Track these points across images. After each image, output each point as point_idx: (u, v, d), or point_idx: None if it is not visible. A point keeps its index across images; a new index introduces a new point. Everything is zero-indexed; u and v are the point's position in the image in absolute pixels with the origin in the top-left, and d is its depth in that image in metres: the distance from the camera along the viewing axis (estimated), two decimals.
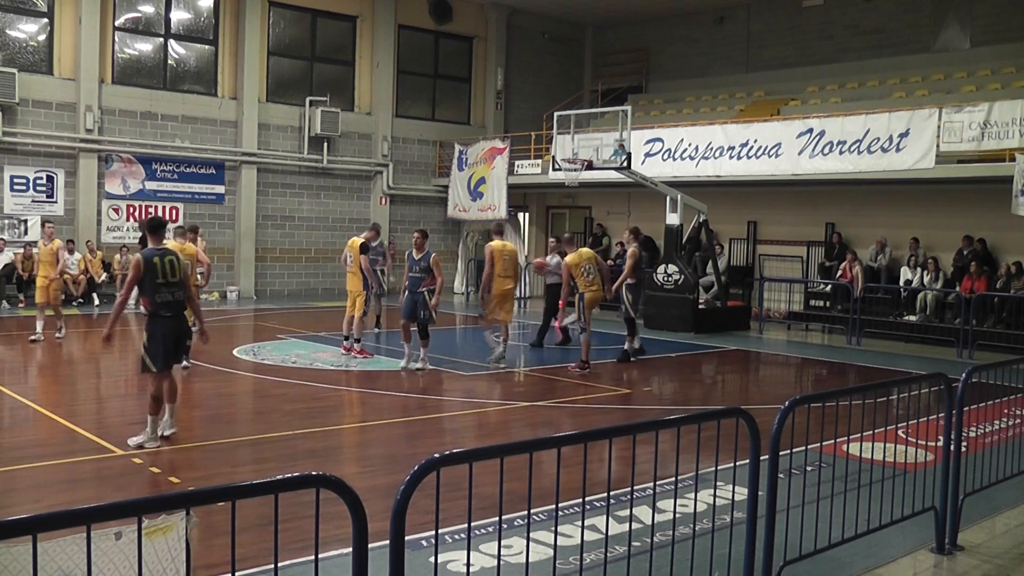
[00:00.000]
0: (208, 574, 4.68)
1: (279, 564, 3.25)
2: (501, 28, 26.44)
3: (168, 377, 7.91)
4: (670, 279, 17.48)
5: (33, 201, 19.67)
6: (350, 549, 2.93)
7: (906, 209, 18.77)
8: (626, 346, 13.73)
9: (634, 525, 5.19)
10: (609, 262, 21.28)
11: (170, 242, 12.06)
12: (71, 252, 19.50)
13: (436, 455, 3.22)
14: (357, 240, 13.49)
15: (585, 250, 13.13)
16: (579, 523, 4.43)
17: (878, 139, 16.67)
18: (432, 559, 4.10)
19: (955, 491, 5.70)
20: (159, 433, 7.83)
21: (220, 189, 22.08)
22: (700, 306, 18.11)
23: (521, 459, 3.64)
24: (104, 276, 19.92)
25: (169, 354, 7.81)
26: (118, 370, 12.24)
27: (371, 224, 14.43)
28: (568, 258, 12.65)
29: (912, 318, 17.27)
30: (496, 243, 13.32)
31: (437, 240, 24.24)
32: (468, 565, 4.56)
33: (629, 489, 4.66)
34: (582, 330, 12.67)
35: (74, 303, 19.01)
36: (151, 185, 21.05)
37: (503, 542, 4.81)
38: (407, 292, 12.19)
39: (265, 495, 2.86)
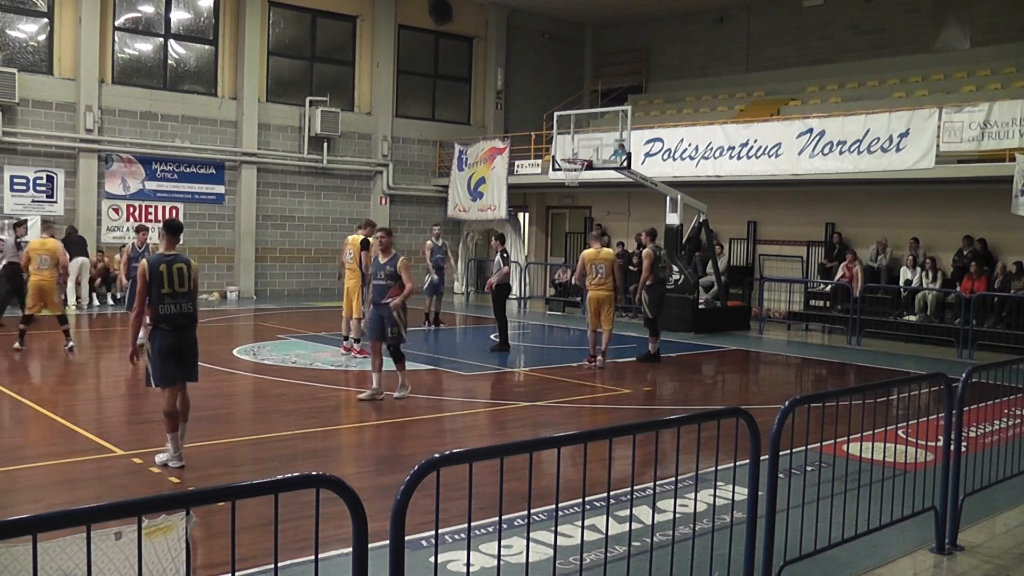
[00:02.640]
0: (208, 574, 4.68)
1: (279, 564, 3.25)
2: (501, 28, 26.43)
3: (178, 393, 7.22)
4: (670, 279, 17.47)
5: (33, 201, 19.67)
6: (350, 549, 2.93)
7: (906, 209, 18.77)
8: (650, 347, 13.79)
9: (634, 525, 5.19)
10: None
11: (38, 238, 12.21)
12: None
13: (436, 455, 3.22)
14: (357, 237, 13.56)
15: (606, 250, 13.39)
16: (579, 523, 4.43)
17: (878, 139, 16.67)
18: (432, 559, 4.10)
19: (955, 491, 5.70)
20: (181, 451, 7.21)
21: (220, 189, 22.07)
22: (700, 306, 18.11)
23: (521, 459, 3.64)
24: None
25: (169, 371, 7.11)
26: (118, 371, 12.23)
27: (364, 221, 14.41)
28: (586, 252, 13.17)
29: (912, 318, 17.27)
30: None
31: None
32: (468, 565, 4.56)
33: (629, 489, 4.66)
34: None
35: (74, 304, 19.00)
36: (151, 185, 21.05)
37: (503, 542, 4.81)
38: (372, 305, 10.25)
39: (265, 495, 2.86)
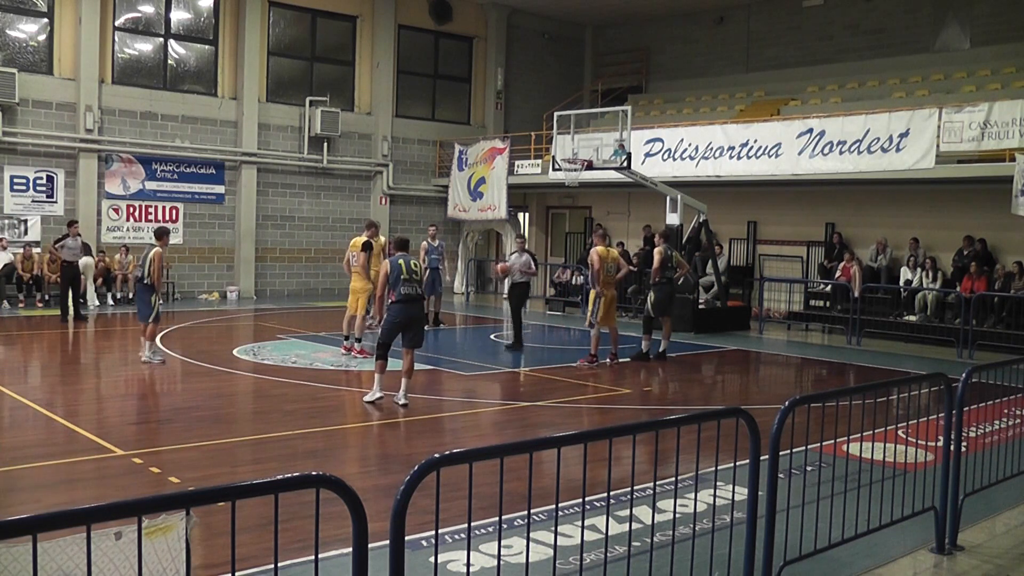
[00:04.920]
0: (208, 574, 4.68)
1: (279, 564, 3.25)
2: (501, 28, 26.43)
3: None
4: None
5: (33, 201, 19.67)
6: (350, 549, 2.93)
7: (906, 209, 18.76)
8: (643, 347, 13.77)
9: (634, 525, 5.19)
10: None
11: None
12: None
13: (436, 455, 3.22)
14: (359, 240, 13.45)
15: (613, 250, 13.62)
16: (579, 523, 4.43)
17: (878, 139, 16.67)
18: (432, 559, 4.10)
19: (955, 491, 5.70)
20: None
21: (220, 189, 22.07)
22: (700, 306, 18.11)
23: (521, 459, 3.64)
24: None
25: None
26: (119, 371, 12.23)
27: (367, 222, 14.28)
28: (600, 248, 13.15)
29: (912, 318, 17.27)
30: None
31: None
32: (468, 565, 4.55)
33: (629, 489, 4.66)
34: (591, 324, 13.13)
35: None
36: (151, 185, 21.05)
37: (503, 542, 4.81)
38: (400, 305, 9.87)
39: (265, 495, 2.86)
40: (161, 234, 12.50)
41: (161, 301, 12.14)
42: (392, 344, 9.87)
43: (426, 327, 16.77)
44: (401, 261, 9.75)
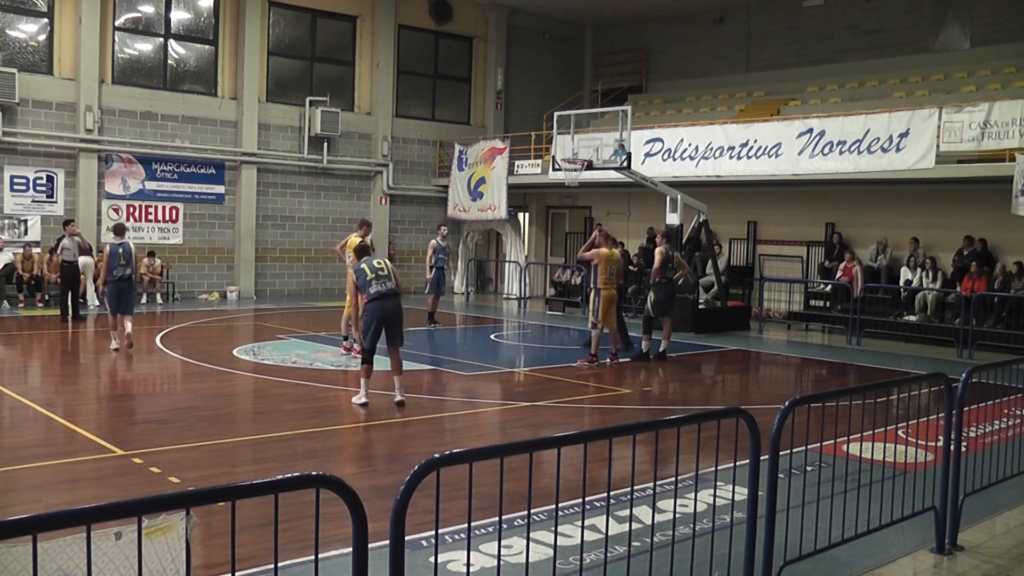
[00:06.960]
0: (208, 574, 4.68)
1: (279, 564, 3.25)
2: (501, 28, 26.43)
3: None
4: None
5: (33, 201, 19.66)
6: (350, 549, 2.93)
7: (906, 209, 18.76)
8: (643, 347, 13.76)
9: (634, 525, 5.19)
10: None
11: None
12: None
13: (436, 455, 3.22)
14: (355, 240, 13.30)
15: (616, 252, 13.72)
16: (579, 523, 4.43)
17: (878, 139, 16.66)
18: (432, 559, 4.10)
19: (955, 491, 5.70)
20: None
21: (220, 189, 22.07)
22: (700, 306, 18.11)
23: (521, 459, 3.64)
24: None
25: None
26: (119, 371, 12.23)
27: (360, 221, 14.02)
28: (604, 251, 13.21)
29: (912, 318, 17.27)
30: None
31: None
32: (468, 565, 4.55)
33: (629, 489, 4.66)
34: (593, 325, 13.15)
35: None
36: (151, 185, 21.05)
37: (503, 542, 4.81)
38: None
39: (265, 495, 2.86)
40: (122, 230, 13.55)
41: None
42: (376, 348, 9.63)
43: (431, 326, 16.88)
44: (364, 265, 9.55)
